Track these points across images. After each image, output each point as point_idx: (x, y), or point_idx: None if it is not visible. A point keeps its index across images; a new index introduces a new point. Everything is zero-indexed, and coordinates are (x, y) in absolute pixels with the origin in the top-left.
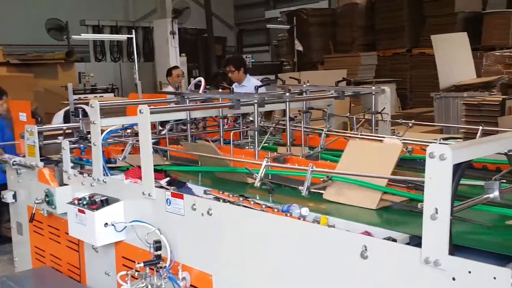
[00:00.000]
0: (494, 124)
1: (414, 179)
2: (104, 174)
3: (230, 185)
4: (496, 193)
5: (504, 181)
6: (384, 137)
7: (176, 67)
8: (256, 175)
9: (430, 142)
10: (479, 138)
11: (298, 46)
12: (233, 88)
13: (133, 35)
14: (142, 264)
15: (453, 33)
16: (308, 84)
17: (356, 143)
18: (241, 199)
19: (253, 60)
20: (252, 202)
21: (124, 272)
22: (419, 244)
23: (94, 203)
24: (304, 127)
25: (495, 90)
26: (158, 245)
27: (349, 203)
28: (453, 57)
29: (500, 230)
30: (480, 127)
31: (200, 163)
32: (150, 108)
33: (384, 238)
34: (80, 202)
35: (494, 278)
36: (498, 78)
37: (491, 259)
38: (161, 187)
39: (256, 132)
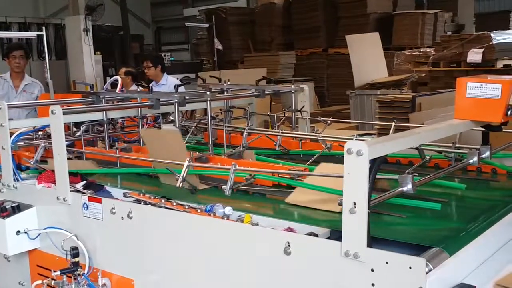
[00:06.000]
0: (406, 120)
1: (334, 175)
2: (14, 179)
3: (152, 186)
4: (410, 186)
5: (416, 174)
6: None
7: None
8: (178, 175)
9: (348, 139)
10: (393, 134)
11: (218, 45)
12: (151, 87)
13: (44, 32)
14: (58, 272)
15: (366, 33)
16: (229, 83)
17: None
18: (163, 200)
19: (172, 59)
20: (174, 204)
21: (40, 282)
22: (339, 238)
23: (5, 210)
24: (226, 126)
25: (405, 87)
26: (75, 252)
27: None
28: (367, 57)
29: (414, 221)
30: (393, 124)
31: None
32: (63, 109)
33: (306, 234)
34: None
35: (410, 267)
36: (408, 76)
37: (407, 250)
38: (77, 191)
39: None
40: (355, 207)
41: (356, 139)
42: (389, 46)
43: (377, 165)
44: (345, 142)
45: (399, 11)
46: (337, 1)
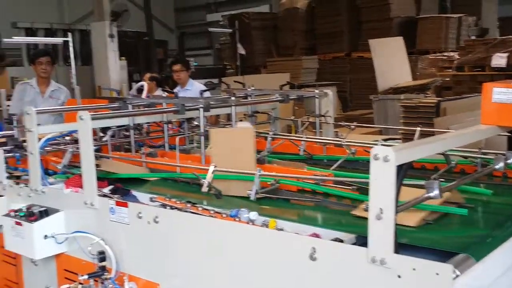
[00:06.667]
0: (430, 125)
1: (357, 180)
2: (42, 184)
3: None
4: (436, 191)
5: (443, 180)
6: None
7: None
8: (204, 180)
9: (372, 144)
10: (419, 139)
11: (241, 50)
12: (177, 92)
13: (70, 38)
14: (86, 276)
15: (390, 38)
16: (253, 88)
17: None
18: (188, 205)
19: (195, 64)
20: (200, 208)
21: (67, 286)
22: (365, 244)
23: (32, 215)
24: None
25: (429, 92)
26: (102, 256)
27: None
28: (390, 61)
29: (441, 227)
30: (418, 128)
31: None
32: (91, 114)
33: (332, 239)
34: (17, 214)
35: (437, 274)
36: (432, 80)
37: (433, 256)
38: (104, 195)
39: (202, 137)
40: (382, 213)
41: (382, 145)
42: (413, 50)
43: (404, 171)
44: (370, 147)
45: (422, 15)
46: (360, 5)
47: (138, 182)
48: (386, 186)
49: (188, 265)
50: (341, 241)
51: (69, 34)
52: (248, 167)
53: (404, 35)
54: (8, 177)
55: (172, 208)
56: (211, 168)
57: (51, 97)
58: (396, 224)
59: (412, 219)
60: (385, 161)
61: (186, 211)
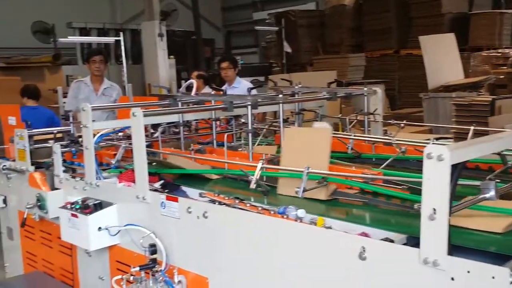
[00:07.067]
0: (484, 124)
1: (409, 180)
2: (97, 177)
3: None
4: (492, 192)
5: (498, 180)
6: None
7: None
8: (252, 177)
9: (423, 143)
10: (473, 138)
11: (287, 48)
12: (225, 90)
13: (121, 38)
14: (138, 268)
15: (441, 34)
16: (300, 85)
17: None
18: (236, 201)
19: (242, 62)
20: (248, 205)
21: (119, 277)
22: (416, 245)
23: (87, 207)
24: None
25: (482, 90)
26: (153, 249)
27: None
28: (441, 58)
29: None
30: (472, 127)
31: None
32: (143, 111)
33: (382, 239)
34: (73, 206)
35: (493, 277)
36: (486, 78)
37: (489, 259)
38: (155, 190)
39: (249, 134)
40: (435, 213)
41: (434, 143)
42: (465, 47)
43: (459, 170)
44: (420, 146)
45: (475, 10)
46: (410, 1)
47: (187, 177)
48: (439, 186)
49: (236, 261)
50: (392, 241)
51: (121, 33)
52: (320, 169)
53: (456, 32)
54: (64, 171)
55: (220, 203)
56: (259, 165)
57: (104, 95)
58: (480, 230)
59: (499, 224)
60: (439, 160)
61: (234, 207)
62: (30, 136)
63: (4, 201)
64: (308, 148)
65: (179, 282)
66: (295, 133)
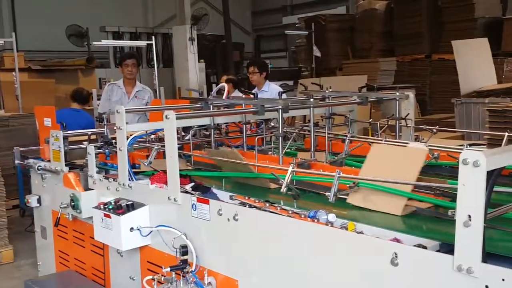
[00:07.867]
0: None
1: (441, 186)
2: (129, 179)
3: (253, 191)
4: None
5: None
6: (408, 143)
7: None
8: (282, 180)
9: (457, 149)
10: (508, 145)
11: (316, 52)
12: (256, 93)
13: (153, 41)
14: (169, 269)
15: (474, 39)
16: (330, 89)
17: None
18: (267, 204)
19: (271, 66)
20: (278, 208)
21: (150, 277)
22: (449, 251)
23: (120, 208)
24: (327, 133)
25: None
26: (184, 250)
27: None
28: (474, 63)
29: None
30: (506, 134)
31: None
32: (175, 114)
33: (414, 245)
34: (106, 206)
35: None
36: None
37: None
38: (187, 192)
39: (280, 138)
40: (470, 220)
41: (468, 149)
42: (498, 52)
43: (495, 176)
44: (454, 152)
45: (509, 15)
46: (442, 6)
47: (218, 180)
48: (475, 192)
49: (266, 264)
50: (424, 247)
51: (153, 37)
52: (404, 188)
53: (489, 36)
54: (97, 172)
55: (251, 206)
56: (290, 169)
57: (136, 97)
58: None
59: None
60: (475, 166)
61: (265, 210)
62: (65, 138)
63: (38, 200)
64: (394, 167)
65: (209, 283)
66: (382, 149)
